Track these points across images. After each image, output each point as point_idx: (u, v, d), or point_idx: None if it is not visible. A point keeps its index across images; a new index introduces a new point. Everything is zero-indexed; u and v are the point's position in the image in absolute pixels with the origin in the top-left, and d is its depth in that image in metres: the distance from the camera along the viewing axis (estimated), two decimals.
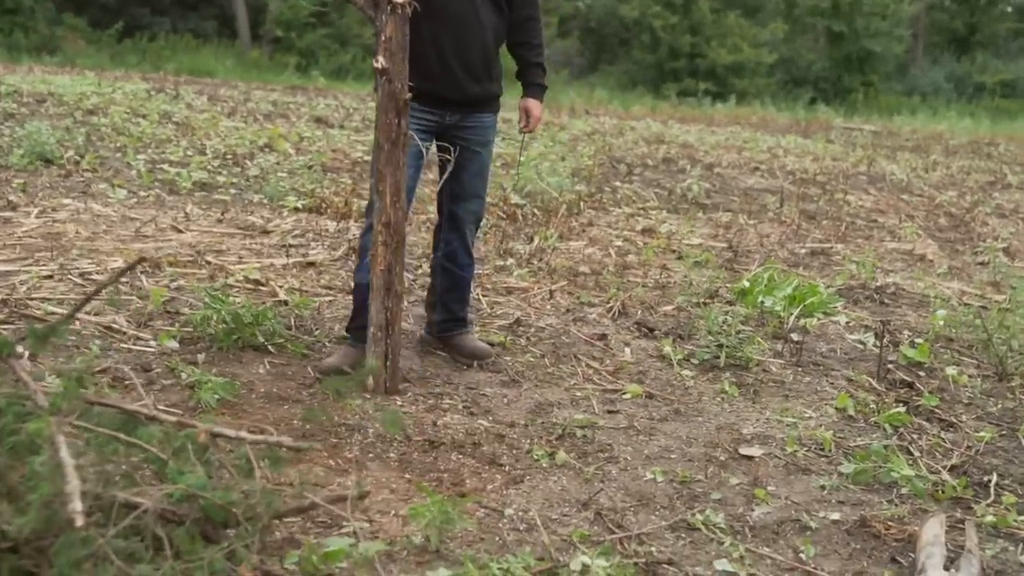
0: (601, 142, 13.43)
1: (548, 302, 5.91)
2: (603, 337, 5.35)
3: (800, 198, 10.13)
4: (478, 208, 4.83)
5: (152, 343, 4.66)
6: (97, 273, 5.54)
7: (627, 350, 5.21)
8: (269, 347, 4.71)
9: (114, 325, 4.79)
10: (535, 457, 3.89)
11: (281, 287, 5.64)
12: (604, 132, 15.47)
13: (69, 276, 5.44)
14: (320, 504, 2.85)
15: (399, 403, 4.28)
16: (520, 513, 3.45)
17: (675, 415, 4.42)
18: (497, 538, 3.29)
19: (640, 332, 5.53)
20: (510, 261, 6.68)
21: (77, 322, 4.81)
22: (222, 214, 7.43)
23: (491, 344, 5.06)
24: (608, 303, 5.94)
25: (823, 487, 3.79)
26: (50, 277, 5.42)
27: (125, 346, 4.59)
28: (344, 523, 3.28)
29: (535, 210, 8.32)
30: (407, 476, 3.68)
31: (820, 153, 14.88)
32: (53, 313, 4.88)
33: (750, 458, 4.01)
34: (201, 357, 4.48)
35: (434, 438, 3.96)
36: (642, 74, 35.07)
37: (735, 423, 4.35)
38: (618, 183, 10.36)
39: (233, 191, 8.31)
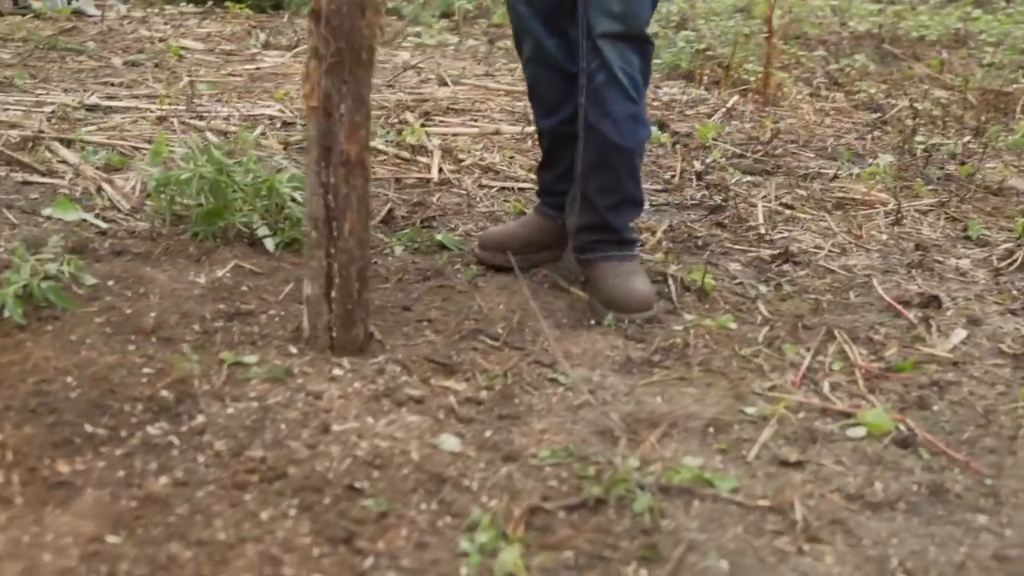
0: None
1: (890, 227, 3.30)
2: (929, 303, 2.72)
3: None
4: (629, 12, 2.48)
5: (131, 222, 2.94)
6: (226, 119, 3.92)
7: (955, 334, 2.57)
8: (266, 242, 2.78)
9: (105, 188, 3.13)
10: (462, 547, 1.67)
11: (462, 159, 3.63)
12: None
13: (187, 121, 3.86)
14: None
15: (343, 370, 2.17)
16: None
17: (931, 498, 1.88)
18: None
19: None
20: (876, 161, 4.02)
21: (72, 173, 3.22)
22: None
23: (685, 288, 2.71)
24: (1019, 240, 3.21)
25: None
26: (163, 119, 3.88)
27: (87, 219, 2.92)
28: None
29: None
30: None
31: None
32: (61, 162, 3.33)
33: None
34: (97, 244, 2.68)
35: (283, 464, 1.86)
36: None
37: None
38: None
39: None
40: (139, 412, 1.99)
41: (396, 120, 4.08)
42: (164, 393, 2.04)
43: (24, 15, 5.59)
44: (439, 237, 2.92)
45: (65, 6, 5.68)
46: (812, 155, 4.09)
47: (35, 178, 3.20)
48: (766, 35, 6.20)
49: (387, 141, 3.73)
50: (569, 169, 2.76)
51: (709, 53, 5.75)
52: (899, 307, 2.69)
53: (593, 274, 2.66)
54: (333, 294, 2.20)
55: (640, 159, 2.68)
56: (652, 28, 6.60)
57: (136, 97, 4.18)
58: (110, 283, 2.51)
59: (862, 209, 3.42)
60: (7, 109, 3.85)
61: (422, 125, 4.01)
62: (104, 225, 2.88)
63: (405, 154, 3.64)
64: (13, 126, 3.64)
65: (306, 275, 2.23)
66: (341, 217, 2.16)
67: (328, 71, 2.08)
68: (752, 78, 5.24)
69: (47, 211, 2.75)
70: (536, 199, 2.94)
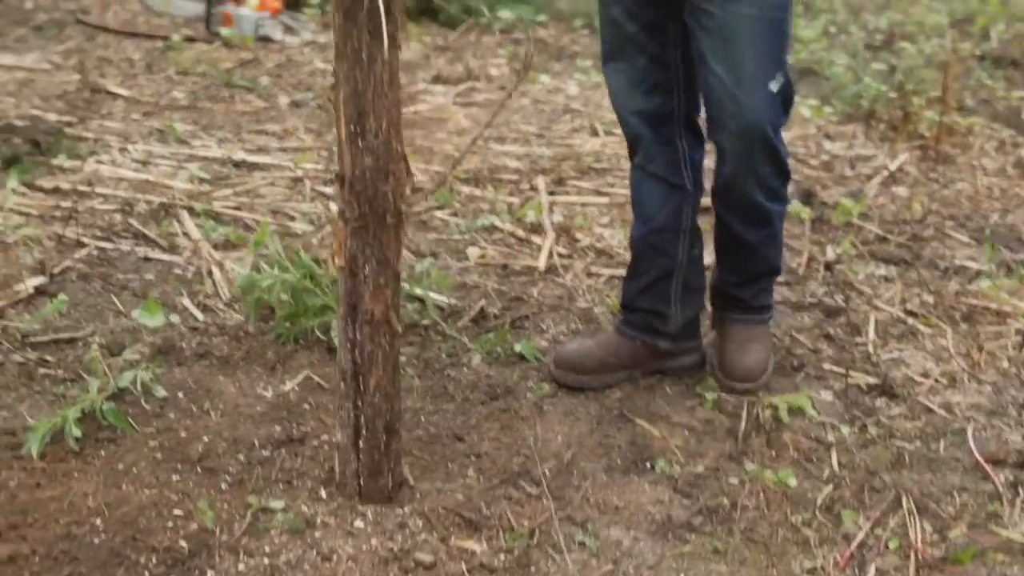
0: None
1: (1017, 350, 3.05)
2: None
3: None
4: (748, 127, 2.51)
5: (226, 314, 3.05)
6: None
7: None
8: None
9: (215, 271, 3.25)
10: None
11: (578, 240, 3.59)
12: None
13: (318, 188, 3.97)
14: None
15: (365, 523, 2.20)
16: None
17: None
18: None
19: None
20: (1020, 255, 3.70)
21: (190, 250, 3.36)
22: None
23: (757, 424, 2.60)
24: None
25: None
26: (297, 181, 4.00)
27: (178, 318, 3.04)
28: None
29: None
30: None
31: None
32: (186, 235, 3.47)
33: None
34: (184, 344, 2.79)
35: None
36: None
37: None
38: None
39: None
40: (153, 565, 2.06)
41: (527, 186, 4.04)
42: (182, 543, 2.11)
43: (212, 43, 5.82)
44: (519, 347, 2.89)
45: (252, 34, 5.89)
46: (966, 239, 3.82)
47: (156, 254, 3.34)
48: (960, 63, 5.77)
49: (506, 217, 3.70)
50: (653, 285, 2.76)
51: (893, 94, 5.38)
52: (987, 467, 2.49)
53: (718, 331, 2.86)
54: (361, 444, 2.22)
55: (770, 241, 2.76)
56: (842, 58, 6.26)
57: (284, 150, 4.30)
58: (179, 395, 2.61)
59: (993, 323, 3.18)
60: (157, 164, 4.03)
61: (551, 193, 3.96)
62: (200, 317, 2.99)
63: (521, 233, 3.61)
64: (156, 186, 3.80)
65: (336, 422, 2.25)
66: (367, 373, 2.17)
67: (353, 233, 2.09)
68: (931, 127, 4.88)
69: (135, 312, 2.86)
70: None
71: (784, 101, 2.56)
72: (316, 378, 2.72)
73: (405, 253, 3.24)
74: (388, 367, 2.18)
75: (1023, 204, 4.21)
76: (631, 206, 2.83)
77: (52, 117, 4.47)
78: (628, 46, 2.60)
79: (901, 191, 4.28)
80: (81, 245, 3.35)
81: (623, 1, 2.57)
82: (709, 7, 2.42)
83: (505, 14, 7.03)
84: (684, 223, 2.73)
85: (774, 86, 2.50)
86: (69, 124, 4.40)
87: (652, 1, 2.54)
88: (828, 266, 3.52)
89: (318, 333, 2.84)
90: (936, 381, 2.87)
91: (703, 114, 2.68)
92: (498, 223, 3.66)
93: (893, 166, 4.49)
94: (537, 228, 3.66)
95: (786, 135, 4.18)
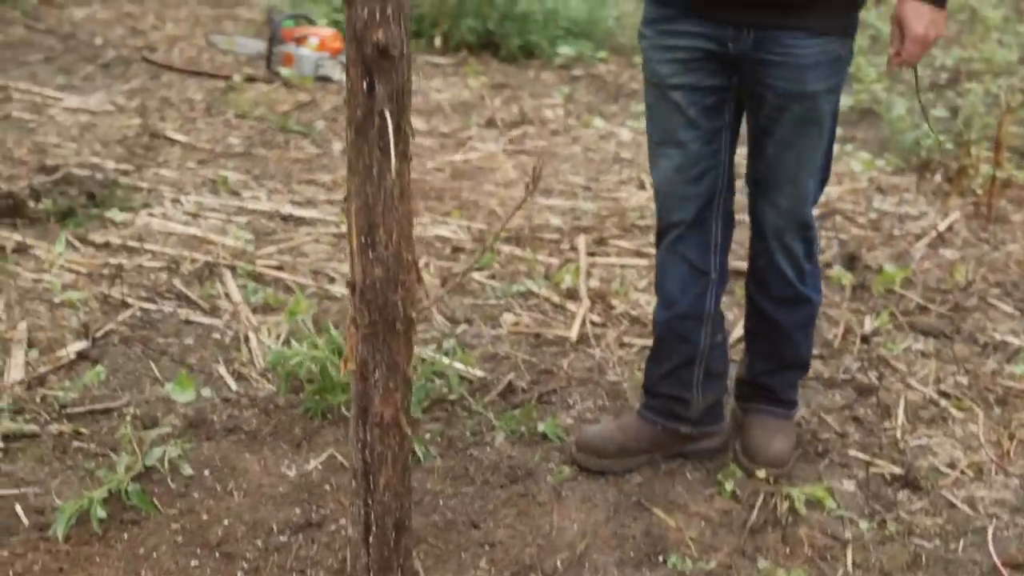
0: None
1: None
2: None
3: None
4: (795, 205, 2.64)
5: (259, 384, 3.12)
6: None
7: None
8: None
9: (251, 337, 3.32)
10: None
11: (613, 307, 3.61)
12: None
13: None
14: None
15: None
16: None
17: None
18: None
19: None
20: None
21: (229, 314, 3.44)
22: None
23: (774, 518, 2.60)
24: None
25: None
26: (340, 237, 4.06)
27: (211, 391, 3.12)
28: None
29: None
30: None
31: None
32: (227, 296, 3.55)
33: None
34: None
35: None
36: None
37: None
38: None
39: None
40: None
41: (568, 246, 4.06)
42: None
43: (272, 83, 5.93)
44: (542, 427, 2.91)
45: (311, 74, 5.98)
46: (1010, 309, 3.76)
47: (197, 316, 3.42)
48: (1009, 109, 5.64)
49: (542, 282, 3.73)
50: (675, 371, 2.78)
51: (950, 145, 5.29)
52: (1004, 573, 2.46)
53: (744, 421, 2.89)
54: (371, 540, 2.26)
55: (802, 330, 2.82)
56: (902, 101, 6.18)
57: (331, 203, 4.38)
58: (205, 472, 2.68)
59: None
60: (207, 218, 4.12)
61: (591, 254, 3.98)
62: (234, 387, 3.06)
63: (556, 299, 3.64)
64: (203, 242, 3.89)
65: (348, 517, 2.30)
66: (377, 472, 2.21)
67: (364, 339, 2.13)
68: (986, 181, 4.79)
69: (168, 386, 2.94)
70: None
71: (822, 179, 2.69)
72: (339, 457, 2.76)
73: (439, 320, 3.30)
74: (398, 467, 2.22)
75: None
76: (655, 288, 2.84)
77: (110, 165, 4.59)
78: (682, 130, 2.60)
79: (949, 254, 4.22)
80: (126, 306, 3.44)
81: (683, 86, 2.58)
82: (790, 103, 2.49)
83: (565, 50, 7.08)
84: (707, 309, 2.74)
85: (823, 168, 2.65)
86: (125, 173, 4.51)
87: (715, 88, 2.57)
88: (865, 339, 3.50)
89: (344, 410, 2.89)
90: (962, 473, 2.84)
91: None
92: (535, 288, 3.69)
93: (942, 226, 4.43)
94: (573, 294, 3.68)
95: (836, 190, 4.18)
